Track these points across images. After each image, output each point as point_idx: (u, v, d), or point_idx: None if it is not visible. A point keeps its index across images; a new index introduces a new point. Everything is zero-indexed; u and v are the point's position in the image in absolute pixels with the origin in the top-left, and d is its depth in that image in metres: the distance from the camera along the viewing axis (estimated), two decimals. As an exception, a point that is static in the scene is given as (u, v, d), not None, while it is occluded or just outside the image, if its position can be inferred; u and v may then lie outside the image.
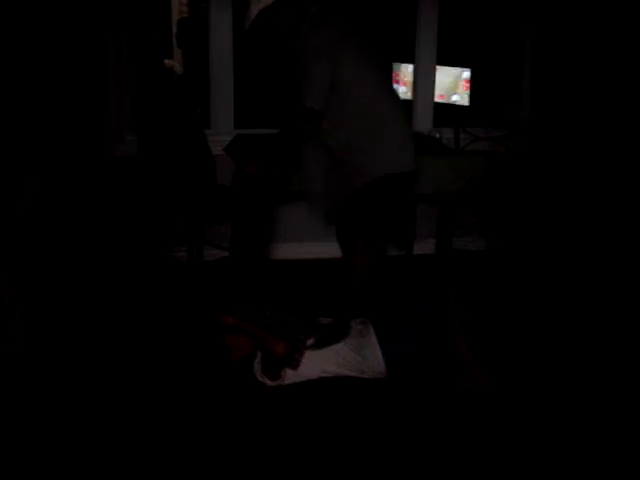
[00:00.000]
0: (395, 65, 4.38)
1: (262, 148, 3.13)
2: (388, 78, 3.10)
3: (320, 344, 2.74)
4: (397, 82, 4.38)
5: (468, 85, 4.11)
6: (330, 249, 3.56)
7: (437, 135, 4.14)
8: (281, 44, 3.03)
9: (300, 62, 2.91)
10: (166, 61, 5.00)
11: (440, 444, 2.43)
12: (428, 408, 2.62)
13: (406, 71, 4.35)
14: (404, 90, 4.34)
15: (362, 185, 2.97)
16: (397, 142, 3.00)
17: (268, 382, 2.72)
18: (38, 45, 3.31)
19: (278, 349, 2.66)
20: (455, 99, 4.19)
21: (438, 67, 4.27)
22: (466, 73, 4.12)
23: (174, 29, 5.38)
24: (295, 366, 2.70)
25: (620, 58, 3.94)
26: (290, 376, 2.73)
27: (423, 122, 4.39)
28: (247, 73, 4.42)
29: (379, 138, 2.96)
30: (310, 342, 2.76)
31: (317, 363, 2.72)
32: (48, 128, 3.40)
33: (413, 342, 2.78)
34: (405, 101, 4.38)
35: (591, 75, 4.04)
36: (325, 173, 3.05)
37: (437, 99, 4.31)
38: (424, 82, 4.34)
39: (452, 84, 4.20)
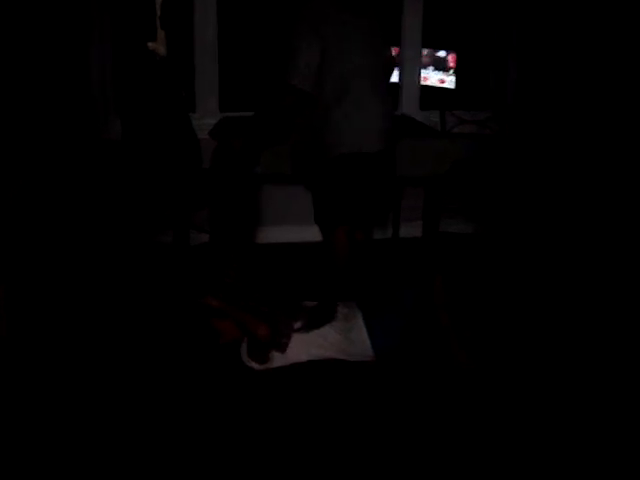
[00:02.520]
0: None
1: (246, 125, 3.09)
2: (377, 52, 2.99)
3: (307, 327, 2.74)
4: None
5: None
6: (316, 232, 3.55)
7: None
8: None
9: (287, 31, 2.85)
10: (150, 44, 4.94)
11: (427, 428, 2.44)
12: (415, 391, 2.64)
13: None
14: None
15: (334, 157, 2.92)
16: (371, 121, 2.95)
17: (255, 366, 2.72)
18: (19, 29, 3.27)
19: (260, 332, 2.66)
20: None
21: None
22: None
23: (158, 11, 5.31)
24: (283, 350, 2.70)
25: (605, 42, 3.95)
26: (277, 359, 2.73)
27: (410, 105, 4.39)
28: (233, 54, 4.37)
29: (353, 116, 2.91)
30: (297, 325, 2.76)
31: (304, 346, 2.73)
32: (32, 112, 3.36)
33: (400, 325, 2.79)
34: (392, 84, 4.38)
35: (576, 58, 4.05)
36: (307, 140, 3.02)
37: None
38: (410, 65, 4.33)
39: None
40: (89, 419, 2.44)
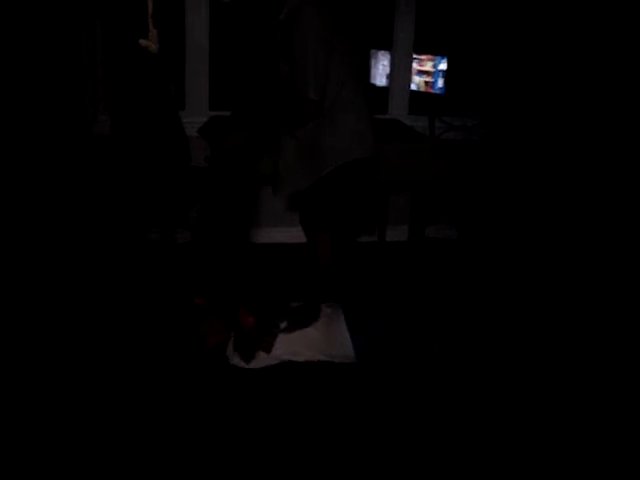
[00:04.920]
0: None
1: (249, 125, 3.08)
2: (359, 63, 3.02)
3: (290, 327, 2.75)
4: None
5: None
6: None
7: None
8: (266, 14, 2.95)
9: (293, 46, 2.83)
10: (141, 41, 4.92)
11: (407, 425, 2.46)
12: (395, 392, 2.65)
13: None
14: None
15: (333, 168, 2.92)
16: (363, 128, 2.96)
17: (240, 363, 2.72)
18: (9, 25, 3.25)
19: (247, 323, 2.67)
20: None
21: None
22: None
23: (150, 8, 5.29)
24: (268, 349, 2.71)
25: (598, 49, 3.98)
26: (262, 359, 2.73)
27: (399, 110, 4.41)
28: (223, 54, 4.37)
29: (347, 124, 2.92)
30: (282, 325, 2.77)
31: (287, 346, 2.74)
32: (22, 108, 3.35)
33: (382, 328, 2.81)
34: (382, 88, 4.41)
35: (568, 65, 4.08)
36: (298, 152, 3.02)
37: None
38: (401, 70, 4.35)
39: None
40: (80, 420, 2.43)
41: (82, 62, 3.87)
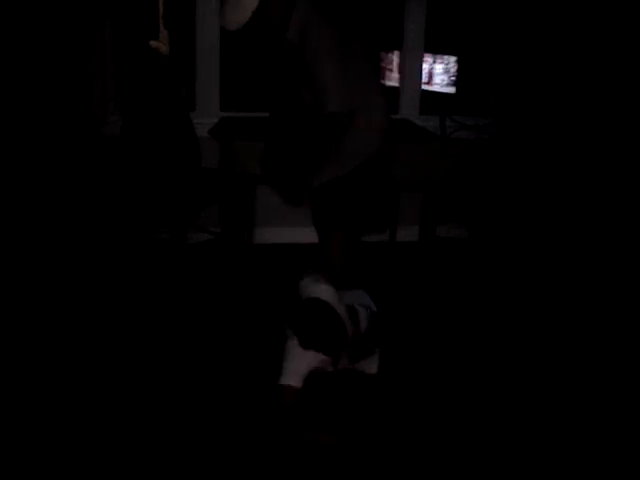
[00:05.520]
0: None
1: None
2: (373, 68, 3.04)
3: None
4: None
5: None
6: (311, 234, 3.55)
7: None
8: (273, 37, 2.87)
9: (307, 63, 2.79)
10: (152, 42, 4.94)
11: (406, 424, 2.46)
12: (392, 390, 2.66)
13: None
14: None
15: (354, 167, 2.92)
16: (378, 127, 2.96)
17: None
18: (21, 25, 3.27)
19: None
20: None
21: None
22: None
23: (160, 10, 5.31)
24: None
25: (606, 47, 3.96)
26: None
27: (410, 109, 4.40)
28: (234, 57, 4.37)
29: (364, 124, 2.91)
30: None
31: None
32: (33, 108, 3.36)
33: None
34: (393, 88, 4.40)
35: (577, 65, 4.06)
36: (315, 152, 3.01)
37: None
38: (411, 69, 4.34)
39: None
40: (80, 420, 2.44)
41: (92, 64, 3.88)
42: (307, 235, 3.66)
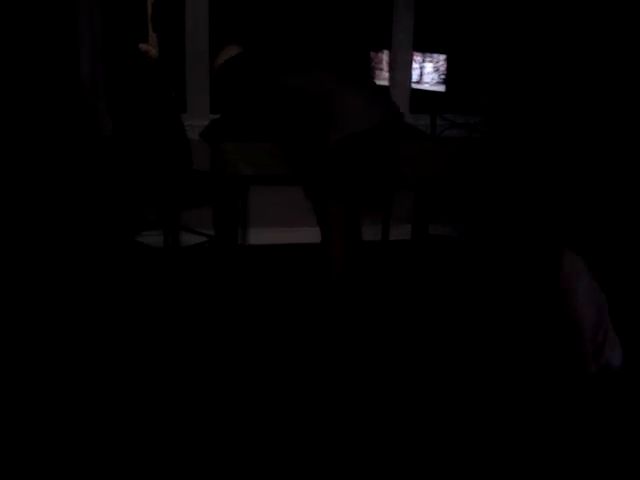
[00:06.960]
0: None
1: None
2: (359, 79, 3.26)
3: None
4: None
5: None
6: (305, 234, 3.55)
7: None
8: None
9: (286, 107, 3.04)
10: (141, 45, 4.94)
11: (404, 424, 2.46)
12: (389, 388, 2.65)
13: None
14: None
15: (334, 143, 3.00)
16: (362, 103, 3.08)
17: None
18: (10, 28, 3.26)
19: None
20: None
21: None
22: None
23: (149, 12, 5.31)
24: None
25: (598, 46, 3.98)
26: None
27: (400, 108, 4.39)
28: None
29: (345, 106, 3.05)
30: None
31: None
32: (23, 111, 3.36)
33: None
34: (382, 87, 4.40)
35: (568, 63, 4.08)
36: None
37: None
38: (401, 68, 4.35)
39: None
40: (79, 420, 2.44)
41: (83, 65, 3.87)
42: (301, 235, 3.67)
